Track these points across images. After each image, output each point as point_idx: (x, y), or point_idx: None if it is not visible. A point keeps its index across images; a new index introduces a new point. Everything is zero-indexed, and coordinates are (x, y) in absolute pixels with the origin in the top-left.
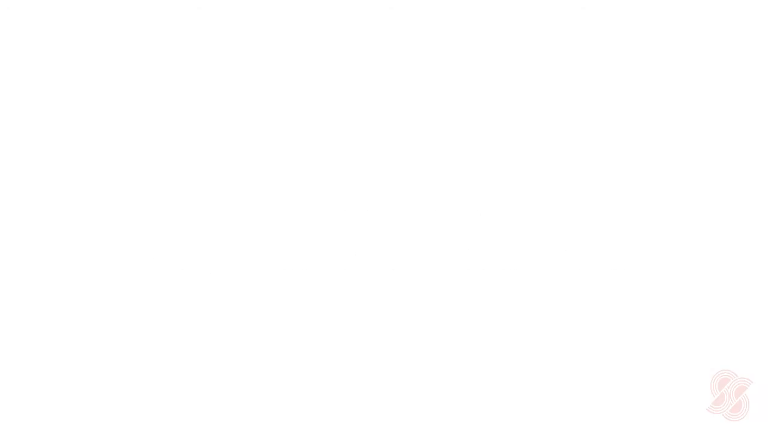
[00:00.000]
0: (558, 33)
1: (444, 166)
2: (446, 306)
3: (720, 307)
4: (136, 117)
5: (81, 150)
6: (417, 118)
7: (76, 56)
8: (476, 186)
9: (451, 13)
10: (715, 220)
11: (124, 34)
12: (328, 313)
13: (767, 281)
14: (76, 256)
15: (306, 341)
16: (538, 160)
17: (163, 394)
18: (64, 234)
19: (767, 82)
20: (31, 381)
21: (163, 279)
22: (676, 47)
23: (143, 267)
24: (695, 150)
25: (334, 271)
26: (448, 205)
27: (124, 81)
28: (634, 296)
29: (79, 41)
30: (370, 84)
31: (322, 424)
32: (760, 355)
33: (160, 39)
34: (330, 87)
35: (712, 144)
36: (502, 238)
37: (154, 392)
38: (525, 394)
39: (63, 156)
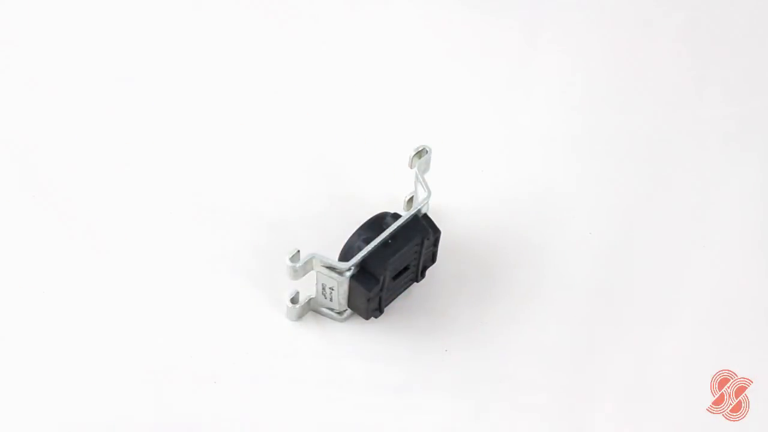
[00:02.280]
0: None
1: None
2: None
3: (720, 307)
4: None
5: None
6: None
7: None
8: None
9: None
10: (714, 219)
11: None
12: None
13: (767, 281)
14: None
15: None
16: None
17: None
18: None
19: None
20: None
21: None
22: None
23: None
24: (694, 148)
25: None
26: None
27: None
28: (632, 295)
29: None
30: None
31: None
32: (760, 355)
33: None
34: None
35: (710, 142)
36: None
37: None
38: (522, 392)
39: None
